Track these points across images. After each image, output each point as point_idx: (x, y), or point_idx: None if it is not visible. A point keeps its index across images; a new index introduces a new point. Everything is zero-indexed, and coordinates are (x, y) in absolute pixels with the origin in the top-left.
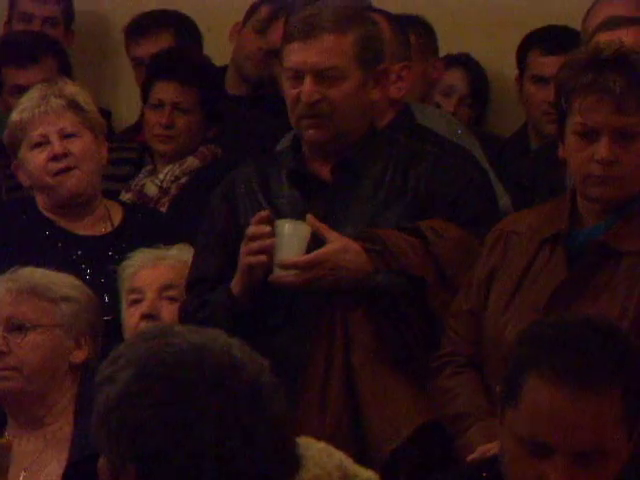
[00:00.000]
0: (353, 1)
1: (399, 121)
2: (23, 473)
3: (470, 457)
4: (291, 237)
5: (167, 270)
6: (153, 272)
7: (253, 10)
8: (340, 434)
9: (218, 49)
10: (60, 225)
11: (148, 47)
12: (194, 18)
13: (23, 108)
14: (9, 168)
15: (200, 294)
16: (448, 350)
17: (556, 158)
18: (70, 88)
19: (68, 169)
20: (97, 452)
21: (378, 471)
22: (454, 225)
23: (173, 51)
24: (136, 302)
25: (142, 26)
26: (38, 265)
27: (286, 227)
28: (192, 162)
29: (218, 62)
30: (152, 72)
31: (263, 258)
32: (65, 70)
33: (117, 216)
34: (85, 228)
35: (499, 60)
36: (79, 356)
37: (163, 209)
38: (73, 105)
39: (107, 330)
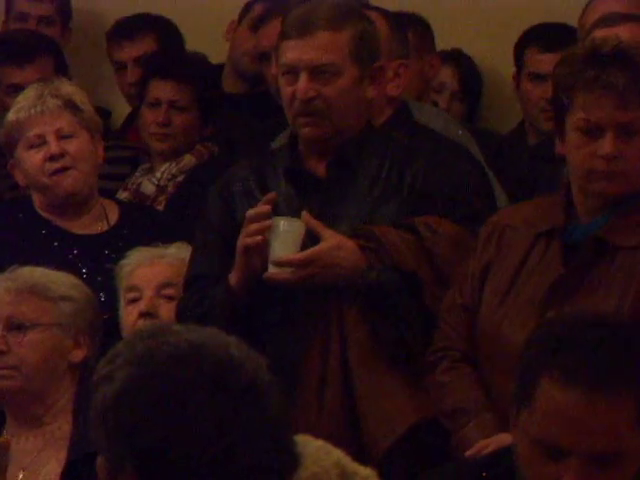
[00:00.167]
0: None
1: (397, 119)
2: (22, 472)
3: (468, 453)
4: (286, 234)
5: (165, 268)
6: (151, 270)
7: (248, 8)
8: (337, 431)
9: (214, 48)
10: (56, 224)
11: (131, 51)
12: (189, 17)
13: (19, 108)
14: (5, 168)
15: (198, 291)
16: (443, 345)
17: (553, 155)
18: (66, 87)
19: (65, 169)
20: (96, 451)
21: (374, 468)
22: (449, 221)
23: (169, 50)
24: (134, 300)
25: (125, 30)
26: (35, 264)
27: (281, 224)
28: (189, 160)
29: (214, 60)
30: (148, 71)
31: (259, 239)
32: (61, 69)
33: (113, 215)
34: (81, 227)
35: (494, 57)
36: (78, 355)
37: (160, 207)
38: (70, 105)
39: (104, 329)
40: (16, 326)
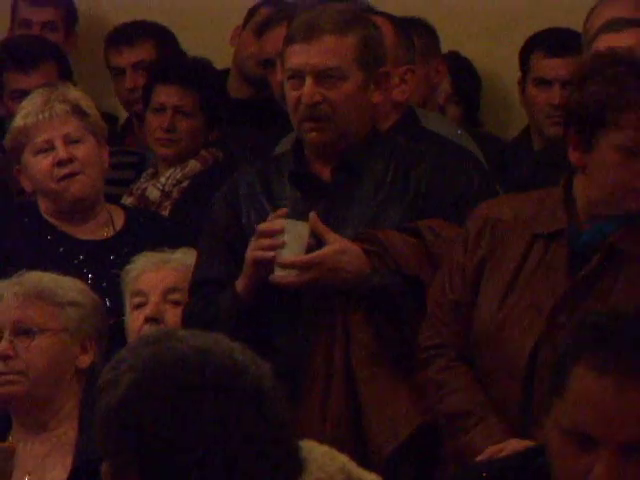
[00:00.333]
0: (351, 3)
1: (403, 124)
2: (27, 477)
3: (479, 458)
4: (291, 237)
5: (171, 273)
6: (157, 275)
7: (252, 13)
8: (341, 435)
9: (218, 53)
10: (62, 230)
11: (130, 56)
12: (193, 22)
13: (26, 113)
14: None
15: (204, 296)
16: (436, 342)
17: (558, 160)
18: (73, 93)
19: (73, 174)
20: (101, 457)
21: (379, 472)
22: (454, 225)
23: (173, 55)
24: (140, 306)
25: (124, 35)
26: (40, 270)
27: (286, 227)
28: (194, 166)
29: (219, 66)
30: (153, 76)
31: (271, 254)
32: (65, 74)
33: (119, 220)
34: (87, 233)
35: (494, 60)
36: (85, 361)
37: (165, 213)
38: (77, 110)
39: (109, 334)
40: (23, 331)
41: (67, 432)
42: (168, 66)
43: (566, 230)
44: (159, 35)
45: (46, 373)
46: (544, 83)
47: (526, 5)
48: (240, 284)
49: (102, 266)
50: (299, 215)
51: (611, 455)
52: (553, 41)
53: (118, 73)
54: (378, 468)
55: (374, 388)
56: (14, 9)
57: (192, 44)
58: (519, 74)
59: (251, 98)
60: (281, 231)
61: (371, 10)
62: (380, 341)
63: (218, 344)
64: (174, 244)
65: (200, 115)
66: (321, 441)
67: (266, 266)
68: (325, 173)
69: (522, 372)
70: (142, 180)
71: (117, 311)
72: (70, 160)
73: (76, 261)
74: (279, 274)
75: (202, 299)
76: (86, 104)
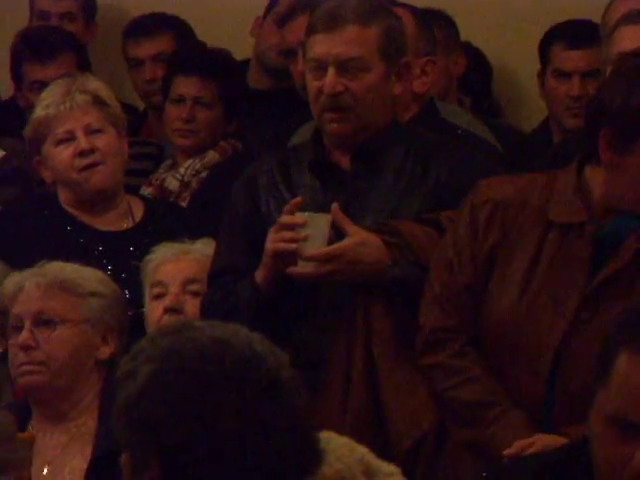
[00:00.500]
0: None
1: (423, 115)
2: (47, 467)
3: (507, 452)
4: (312, 229)
5: (191, 264)
6: (177, 266)
7: (273, 3)
8: (361, 427)
9: (238, 44)
10: (82, 220)
11: (150, 48)
12: (213, 13)
13: (47, 104)
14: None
15: (222, 286)
16: (447, 324)
17: (577, 152)
18: (93, 83)
19: (94, 165)
20: (120, 448)
21: (399, 464)
22: None
23: (194, 46)
24: (159, 296)
25: (144, 27)
26: (60, 260)
27: (307, 218)
28: (212, 156)
29: (238, 57)
30: (173, 67)
31: (293, 247)
32: (84, 65)
33: (139, 211)
34: (107, 223)
35: (512, 53)
36: (105, 352)
37: (184, 203)
38: (97, 101)
39: (129, 325)
40: (45, 321)
41: (87, 422)
42: (188, 57)
43: (587, 223)
44: (178, 27)
45: (67, 364)
46: (564, 75)
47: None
48: (260, 275)
49: (121, 257)
50: (318, 204)
51: None
52: (572, 33)
53: (136, 64)
54: (398, 459)
55: (395, 380)
56: (32, 1)
57: (211, 35)
58: (538, 66)
59: (271, 89)
60: (303, 224)
61: (391, 1)
62: (400, 332)
63: (237, 335)
64: (193, 235)
65: (219, 106)
66: (341, 433)
67: (286, 258)
68: (345, 162)
69: (546, 368)
70: (161, 171)
71: (136, 302)
72: (91, 150)
73: (96, 252)
74: (297, 266)
75: (221, 289)
76: (106, 95)
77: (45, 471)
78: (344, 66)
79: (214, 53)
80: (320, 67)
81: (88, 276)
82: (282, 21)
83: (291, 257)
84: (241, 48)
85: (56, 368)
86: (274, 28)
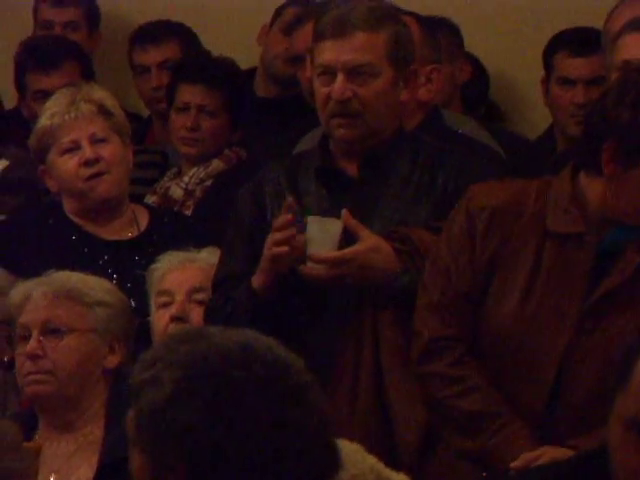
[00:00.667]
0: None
1: (428, 123)
2: (54, 475)
3: (514, 465)
4: (323, 233)
5: (196, 273)
6: (182, 274)
7: (279, 12)
8: (369, 433)
9: (243, 52)
10: (87, 230)
11: (156, 55)
12: (218, 22)
13: (52, 113)
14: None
15: (225, 292)
16: (446, 333)
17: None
18: (98, 93)
19: (100, 174)
20: (127, 456)
21: (406, 471)
22: None
23: (198, 54)
24: (165, 305)
25: (150, 34)
26: (65, 270)
27: (318, 223)
28: (217, 165)
29: (243, 65)
30: (178, 75)
31: (285, 249)
32: (88, 74)
33: (143, 220)
34: (112, 233)
35: (515, 61)
36: (113, 361)
37: (188, 212)
38: (102, 110)
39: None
40: (52, 330)
41: (93, 431)
42: (193, 65)
43: (586, 234)
44: (184, 35)
45: (74, 373)
46: (568, 83)
47: (548, 4)
48: (256, 280)
49: (127, 266)
50: (324, 212)
51: None
52: (577, 40)
53: (142, 71)
54: (405, 466)
55: (402, 387)
56: (36, 11)
57: (216, 43)
58: (541, 73)
59: (277, 97)
60: (293, 221)
61: (396, 9)
62: (408, 341)
63: (257, 339)
64: (198, 244)
65: (224, 114)
66: (349, 438)
67: (285, 261)
68: (352, 170)
69: (549, 380)
70: (166, 179)
71: (142, 311)
72: (97, 160)
73: (101, 261)
74: (308, 266)
75: (223, 295)
76: (111, 104)
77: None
78: (353, 72)
79: (219, 61)
80: (329, 73)
81: (95, 285)
82: (289, 28)
83: (288, 260)
84: (247, 56)
85: (63, 377)
86: (281, 36)
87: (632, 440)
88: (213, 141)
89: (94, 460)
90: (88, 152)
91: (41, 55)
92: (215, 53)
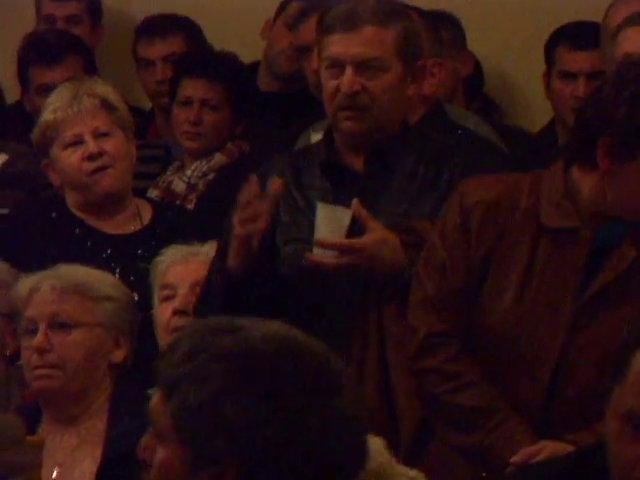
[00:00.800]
0: None
1: (431, 117)
2: (57, 469)
3: (514, 460)
4: (332, 220)
5: (199, 266)
6: (185, 268)
7: (283, 6)
8: (374, 427)
9: (246, 46)
10: (90, 224)
11: (162, 48)
12: (220, 16)
13: (55, 108)
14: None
15: None
16: (441, 329)
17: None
18: (101, 87)
19: (103, 168)
20: (131, 450)
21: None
22: None
23: (200, 48)
24: (168, 298)
25: (157, 27)
26: (67, 264)
27: (327, 210)
28: (219, 158)
29: (246, 59)
30: (180, 69)
31: (250, 229)
32: (90, 68)
33: (146, 214)
34: (115, 226)
35: (514, 54)
36: (119, 356)
37: (190, 205)
38: (105, 104)
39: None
40: (60, 325)
41: (96, 425)
42: (195, 60)
43: (581, 229)
44: (190, 29)
45: (81, 367)
46: (569, 76)
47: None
48: (230, 259)
49: (130, 260)
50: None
51: None
52: (578, 34)
53: (147, 65)
54: (408, 456)
55: (408, 382)
56: (38, 5)
57: (218, 38)
58: (543, 68)
59: (281, 92)
60: (252, 196)
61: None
62: None
63: (293, 331)
64: (201, 238)
65: (226, 108)
66: None
67: (256, 238)
68: (357, 164)
69: (546, 375)
70: (168, 173)
71: (145, 305)
72: (100, 154)
73: (104, 255)
74: (317, 252)
75: None
76: (114, 98)
77: (55, 473)
78: (362, 66)
79: (221, 56)
80: (337, 66)
81: (102, 280)
82: (294, 22)
83: (258, 236)
84: (250, 50)
85: (70, 371)
86: (285, 31)
87: (628, 433)
88: (215, 135)
89: (97, 453)
90: (91, 146)
91: (44, 49)
92: (218, 47)
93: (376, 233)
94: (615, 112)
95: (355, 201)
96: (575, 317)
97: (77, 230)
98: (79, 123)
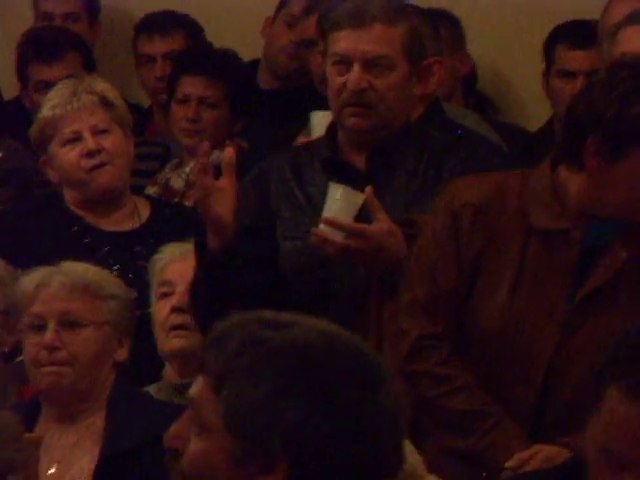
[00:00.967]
0: None
1: (429, 115)
2: (55, 466)
3: (509, 464)
4: (343, 201)
5: None
6: (184, 265)
7: (283, 4)
8: None
9: (245, 44)
10: (88, 221)
11: (162, 45)
12: (219, 13)
13: (54, 104)
14: (36, 163)
15: None
16: (432, 331)
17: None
18: (100, 84)
19: (101, 165)
20: (129, 448)
21: None
22: None
23: (199, 46)
24: (166, 295)
25: (157, 24)
26: (66, 261)
27: (340, 191)
28: (218, 156)
29: (245, 57)
30: (179, 67)
31: (210, 202)
32: (89, 65)
33: (145, 212)
34: (113, 224)
35: (514, 53)
36: (122, 354)
37: (189, 202)
38: (104, 101)
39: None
40: (70, 322)
41: (95, 422)
42: (193, 57)
43: (571, 230)
44: (190, 26)
45: (90, 366)
46: (568, 75)
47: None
48: (210, 241)
49: (128, 257)
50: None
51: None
52: (576, 33)
53: (147, 61)
54: None
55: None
56: (35, 3)
57: (218, 35)
58: (542, 66)
59: (281, 89)
60: (197, 172)
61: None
62: None
63: (336, 327)
64: (199, 235)
65: (225, 106)
66: None
67: (219, 219)
68: (359, 161)
69: (539, 378)
70: (167, 170)
71: (143, 302)
72: (98, 151)
73: (102, 252)
74: (326, 230)
75: None
76: (113, 95)
77: (53, 470)
78: (370, 63)
79: (220, 53)
80: (344, 62)
81: (108, 278)
82: (303, 15)
83: (219, 219)
84: (250, 48)
85: (80, 369)
86: (285, 29)
87: (602, 464)
88: (214, 132)
89: (96, 451)
90: (90, 143)
91: (43, 46)
92: (217, 45)
93: (384, 224)
94: (604, 111)
95: (369, 188)
96: (568, 319)
97: (75, 227)
98: (78, 120)
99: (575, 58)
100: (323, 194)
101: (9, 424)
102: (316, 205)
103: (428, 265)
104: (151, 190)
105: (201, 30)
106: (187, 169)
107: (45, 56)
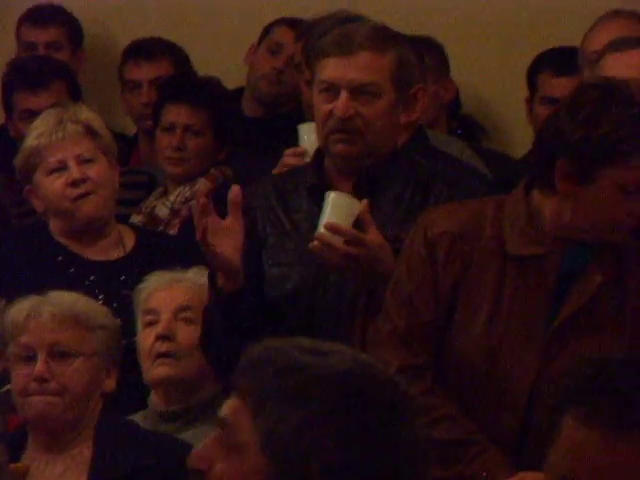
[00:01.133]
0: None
1: (414, 142)
2: None
3: None
4: (341, 208)
5: (183, 292)
6: (169, 293)
7: (267, 32)
8: None
9: (229, 72)
10: (73, 250)
11: (149, 71)
12: (203, 42)
13: (39, 133)
14: (20, 194)
15: None
16: (413, 362)
17: None
18: (85, 113)
19: (87, 194)
20: (116, 478)
21: None
22: None
23: (183, 74)
24: (151, 324)
25: (144, 50)
26: (51, 290)
27: (337, 198)
28: (203, 184)
29: (229, 85)
30: (163, 95)
31: (214, 242)
32: (74, 93)
33: (130, 241)
34: (98, 253)
35: (498, 79)
36: (110, 385)
37: (173, 231)
38: (89, 131)
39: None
40: (60, 354)
41: (82, 452)
42: (178, 85)
43: (546, 255)
44: (176, 53)
45: (80, 396)
46: (552, 102)
47: (531, 24)
48: (218, 279)
49: (113, 287)
50: (315, 229)
51: None
52: (560, 60)
53: (134, 87)
54: None
55: None
56: (18, 32)
57: (202, 63)
58: (526, 93)
59: (265, 117)
60: (197, 213)
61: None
62: None
63: (364, 355)
64: (185, 264)
65: (210, 134)
66: None
67: (225, 259)
68: (346, 188)
69: (521, 404)
70: (151, 198)
71: (128, 331)
72: (83, 180)
73: (87, 282)
74: (327, 234)
75: None
76: (98, 125)
77: None
78: (357, 91)
79: (204, 81)
80: (332, 90)
81: (96, 308)
82: (279, 46)
83: (225, 259)
84: (235, 75)
85: (70, 400)
86: (268, 56)
87: None
88: (199, 160)
89: None
90: (75, 172)
91: (29, 75)
92: (202, 73)
93: (377, 237)
94: (571, 134)
95: (365, 201)
96: (547, 344)
97: (60, 257)
98: (63, 149)
99: (558, 85)
100: (309, 220)
101: None
102: (302, 231)
103: (405, 296)
104: (136, 219)
105: (187, 57)
106: (172, 197)
107: (31, 85)
